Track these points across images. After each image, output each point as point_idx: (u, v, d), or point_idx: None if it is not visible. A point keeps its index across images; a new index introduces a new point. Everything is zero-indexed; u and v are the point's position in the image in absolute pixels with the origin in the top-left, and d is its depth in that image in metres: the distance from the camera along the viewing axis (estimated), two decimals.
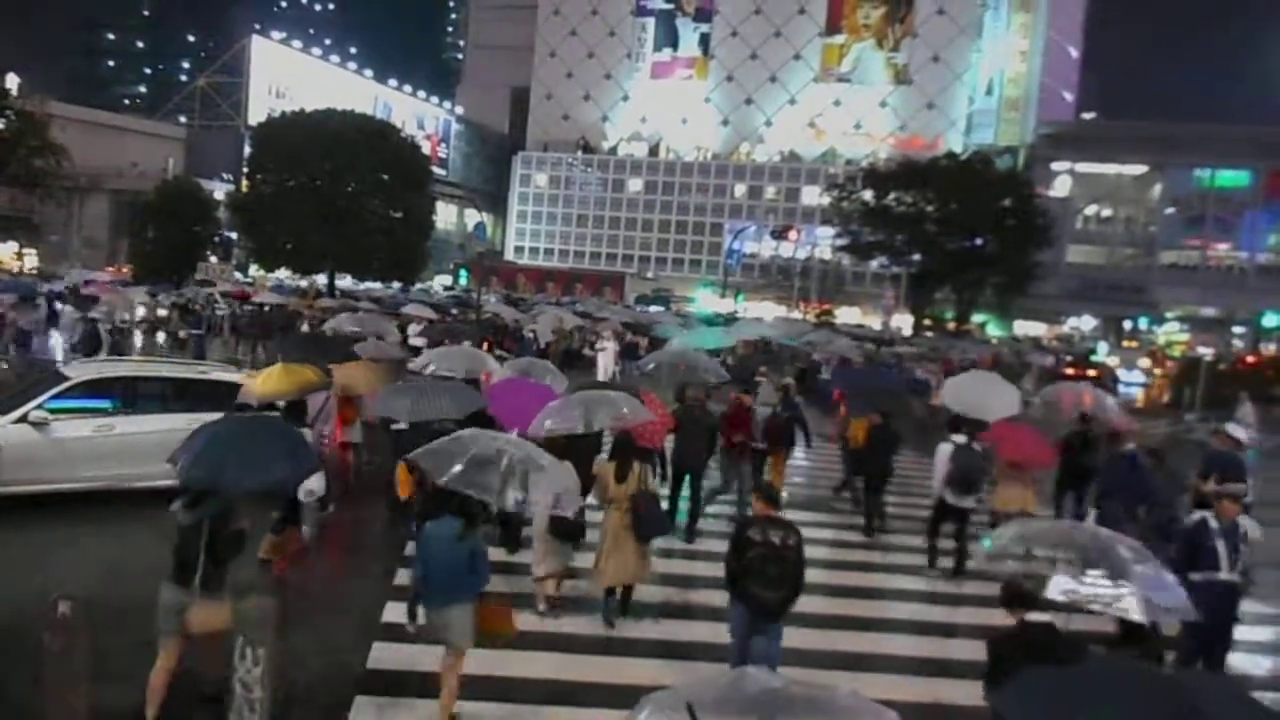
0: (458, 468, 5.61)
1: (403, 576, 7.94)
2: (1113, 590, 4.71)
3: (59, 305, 23.70)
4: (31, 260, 49.88)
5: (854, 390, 13.04)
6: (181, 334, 23.21)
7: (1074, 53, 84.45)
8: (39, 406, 9.14)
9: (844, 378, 15.96)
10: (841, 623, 7.90)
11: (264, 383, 9.27)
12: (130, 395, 9.82)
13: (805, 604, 7.00)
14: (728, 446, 10.24)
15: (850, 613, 8.21)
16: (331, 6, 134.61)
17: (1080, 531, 5.36)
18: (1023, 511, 9.46)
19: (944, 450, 9.38)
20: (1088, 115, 79.04)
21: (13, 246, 50.88)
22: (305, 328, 22.98)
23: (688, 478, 9.88)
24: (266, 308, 26.63)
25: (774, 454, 10.92)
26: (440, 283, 66.78)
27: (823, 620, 7.64)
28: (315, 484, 7.70)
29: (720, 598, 8.16)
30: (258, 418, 7.82)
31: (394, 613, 7.27)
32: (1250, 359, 41.60)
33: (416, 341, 21.66)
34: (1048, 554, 5.02)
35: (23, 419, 9.02)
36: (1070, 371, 30.42)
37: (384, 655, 6.54)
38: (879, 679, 6.70)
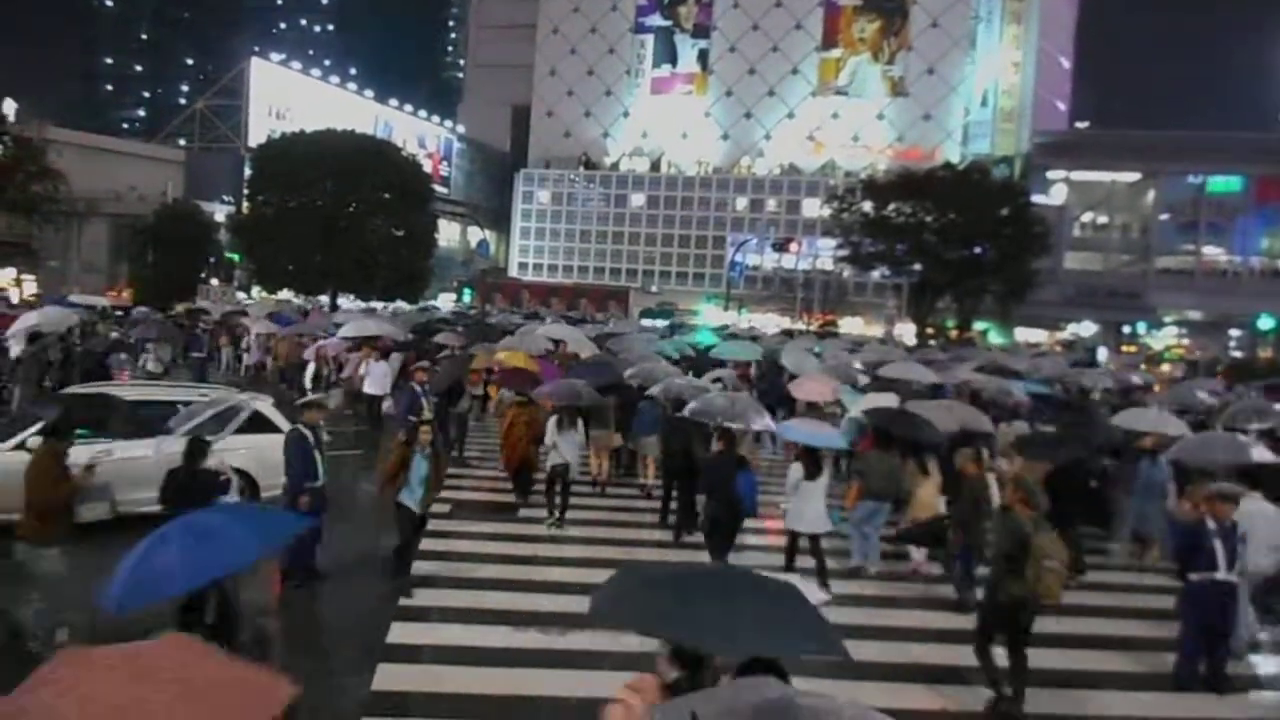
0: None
1: (409, 598, 8.04)
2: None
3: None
4: (30, 286, 49.89)
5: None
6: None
7: (1065, 63, 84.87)
8: (36, 433, 9.11)
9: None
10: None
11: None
12: (129, 420, 9.78)
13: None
14: None
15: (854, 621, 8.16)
16: (331, 28, 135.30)
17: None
18: None
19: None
20: (1081, 124, 79.36)
21: (11, 272, 50.84)
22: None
23: None
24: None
25: None
26: (446, 300, 66.74)
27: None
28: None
29: None
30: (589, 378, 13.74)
31: (400, 633, 7.24)
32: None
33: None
34: None
35: (20, 446, 8.97)
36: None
37: (390, 677, 6.49)
38: (881, 687, 6.63)
